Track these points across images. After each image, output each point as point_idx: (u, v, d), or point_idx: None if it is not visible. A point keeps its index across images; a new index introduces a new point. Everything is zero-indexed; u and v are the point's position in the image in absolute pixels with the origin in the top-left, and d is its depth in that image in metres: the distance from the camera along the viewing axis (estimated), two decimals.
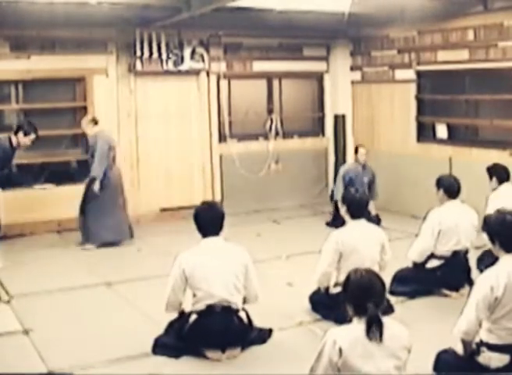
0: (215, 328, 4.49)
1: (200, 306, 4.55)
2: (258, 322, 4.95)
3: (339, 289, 4.99)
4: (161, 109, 9.09)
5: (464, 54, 8.21)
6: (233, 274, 4.57)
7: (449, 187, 5.75)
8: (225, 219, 4.69)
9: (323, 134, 10.34)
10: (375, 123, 9.81)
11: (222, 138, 9.53)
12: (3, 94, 8.37)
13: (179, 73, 9.00)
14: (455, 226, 5.66)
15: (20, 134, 7.12)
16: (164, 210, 9.19)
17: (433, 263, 5.73)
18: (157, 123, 9.07)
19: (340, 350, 3.08)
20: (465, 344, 3.82)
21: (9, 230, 7.70)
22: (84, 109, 8.63)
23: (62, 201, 8.34)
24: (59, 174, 8.57)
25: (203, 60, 9.15)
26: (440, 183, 5.82)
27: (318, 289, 5.35)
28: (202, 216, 4.65)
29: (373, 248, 5.19)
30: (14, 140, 7.13)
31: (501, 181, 6.46)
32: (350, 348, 3.09)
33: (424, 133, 9.03)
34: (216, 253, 4.61)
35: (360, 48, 10.02)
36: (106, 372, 4.41)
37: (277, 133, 9.87)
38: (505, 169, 6.53)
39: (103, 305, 5.74)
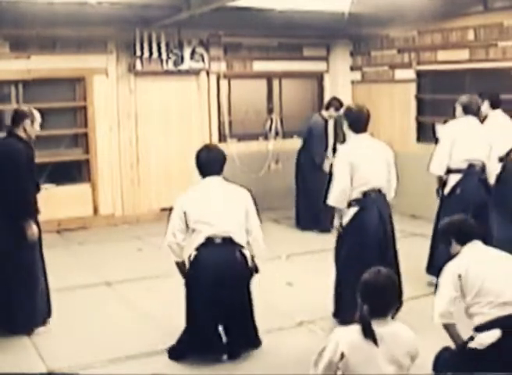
0: (214, 259, 4.39)
1: (200, 240, 4.44)
2: (258, 322, 4.96)
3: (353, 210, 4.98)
4: (161, 109, 9.09)
5: (464, 54, 8.21)
6: (234, 209, 4.51)
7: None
8: (225, 162, 4.68)
9: None
10: (374, 122, 9.69)
11: (222, 138, 9.53)
12: (3, 94, 8.37)
13: (179, 72, 9.00)
14: (470, 138, 5.81)
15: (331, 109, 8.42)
16: (164, 210, 9.17)
17: (451, 181, 5.81)
18: (157, 123, 9.07)
19: (342, 354, 3.11)
20: (450, 332, 3.85)
21: None
22: (84, 109, 8.65)
23: (62, 201, 8.35)
24: (59, 174, 8.57)
25: (203, 60, 9.15)
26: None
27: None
28: (202, 157, 4.64)
29: (380, 160, 5.10)
30: (326, 114, 8.50)
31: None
32: (352, 351, 3.11)
33: (424, 133, 9.03)
34: (217, 190, 4.58)
35: (360, 48, 10.02)
36: (106, 372, 4.41)
37: (277, 133, 9.88)
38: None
39: (103, 305, 5.74)
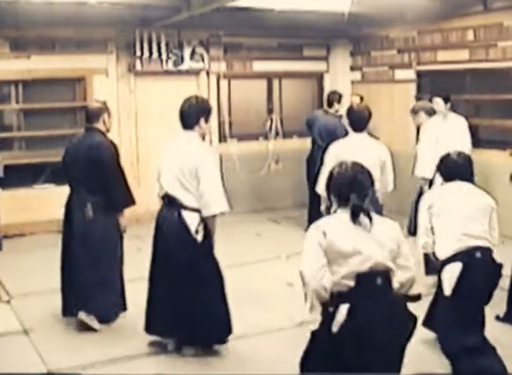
0: (161, 220, 4.60)
1: (160, 197, 4.65)
2: (259, 322, 4.96)
3: None
4: (161, 109, 9.08)
5: (464, 54, 8.21)
6: (180, 169, 4.44)
7: None
8: (205, 113, 4.57)
9: None
10: (374, 122, 9.77)
11: (222, 138, 9.54)
12: (3, 94, 8.38)
13: (179, 72, 9.01)
14: (451, 136, 6.22)
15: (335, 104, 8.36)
16: None
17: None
18: (157, 123, 9.07)
19: (324, 233, 3.12)
20: (426, 258, 4.33)
21: (9, 230, 7.69)
22: (84, 109, 8.64)
23: (62, 201, 8.31)
24: (59, 174, 8.56)
25: (203, 60, 9.15)
26: None
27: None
28: (181, 106, 4.63)
29: (371, 158, 5.08)
30: (332, 110, 8.38)
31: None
32: (334, 231, 3.15)
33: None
34: (177, 147, 4.58)
35: (360, 48, 10.02)
36: (106, 372, 4.41)
37: (277, 133, 9.88)
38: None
39: None
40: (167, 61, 8.81)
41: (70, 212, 5.29)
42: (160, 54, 8.75)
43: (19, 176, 7.87)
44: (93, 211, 5.08)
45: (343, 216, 3.19)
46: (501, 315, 5.09)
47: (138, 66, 8.69)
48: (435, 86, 8.95)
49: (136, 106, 8.95)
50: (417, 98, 7.91)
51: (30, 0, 6.94)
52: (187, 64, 9.00)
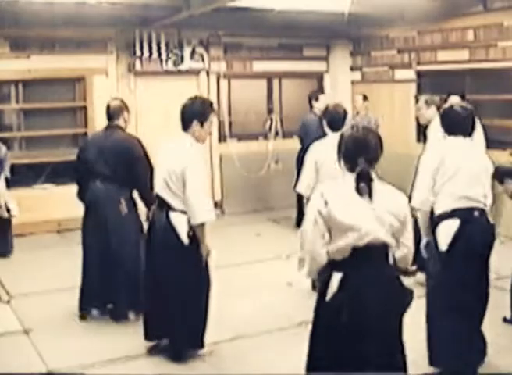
0: (152, 218, 4.63)
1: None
2: (258, 321, 4.95)
3: None
4: (160, 109, 9.08)
5: (463, 54, 8.21)
6: (167, 172, 4.42)
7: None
8: (197, 116, 4.45)
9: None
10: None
11: (222, 138, 9.54)
12: (3, 94, 8.37)
13: (179, 72, 9.01)
14: None
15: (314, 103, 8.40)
16: None
17: None
18: (157, 123, 9.07)
19: (326, 201, 3.12)
20: (423, 219, 4.20)
21: None
22: (84, 109, 8.64)
23: (62, 201, 8.33)
24: (59, 174, 8.57)
25: (203, 60, 9.15)
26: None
27: None
28: (182, 107, 4.58)
29: None
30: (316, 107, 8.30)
31: None
32: (336, 201, 3.13)
33: (424, 133, 9.02)
34: (168, 148, 4.59)
35: (360, 48, 10.03)
36: (106, 372, 4.41)
37: (277, 133, 9.88)
38: None
39: None
40: (167, 61, 8.81)
41: (97, 208, 5.33)
42: (160, 54, 8.76)
43: (19, 176, 7.86)
44: (127, 206, 5.21)
45: (348, 183, 3.15)
46: (507, 317, 5.05)
47: (138, 66, 8.70)
48: (435, 86, 8.96)
49: (136, 106, 8.93)
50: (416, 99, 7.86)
51: (30, 0, 6.94)
52: (187, 64, 9.00)
